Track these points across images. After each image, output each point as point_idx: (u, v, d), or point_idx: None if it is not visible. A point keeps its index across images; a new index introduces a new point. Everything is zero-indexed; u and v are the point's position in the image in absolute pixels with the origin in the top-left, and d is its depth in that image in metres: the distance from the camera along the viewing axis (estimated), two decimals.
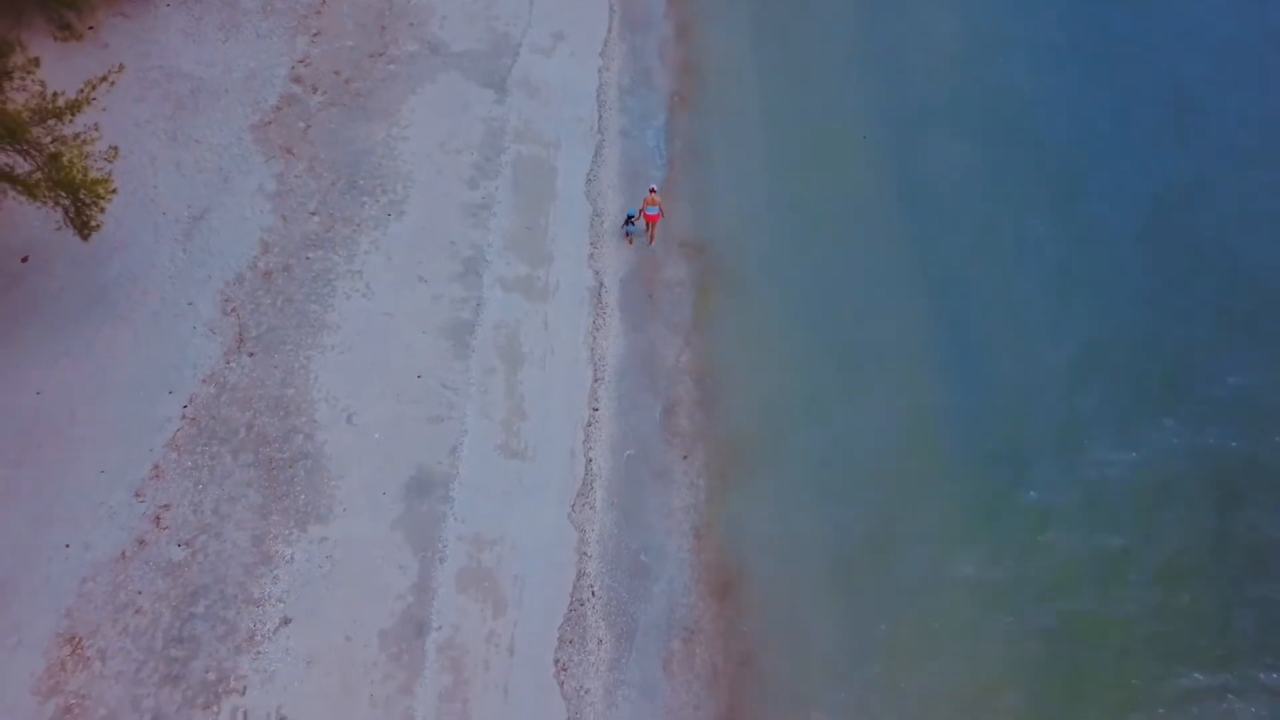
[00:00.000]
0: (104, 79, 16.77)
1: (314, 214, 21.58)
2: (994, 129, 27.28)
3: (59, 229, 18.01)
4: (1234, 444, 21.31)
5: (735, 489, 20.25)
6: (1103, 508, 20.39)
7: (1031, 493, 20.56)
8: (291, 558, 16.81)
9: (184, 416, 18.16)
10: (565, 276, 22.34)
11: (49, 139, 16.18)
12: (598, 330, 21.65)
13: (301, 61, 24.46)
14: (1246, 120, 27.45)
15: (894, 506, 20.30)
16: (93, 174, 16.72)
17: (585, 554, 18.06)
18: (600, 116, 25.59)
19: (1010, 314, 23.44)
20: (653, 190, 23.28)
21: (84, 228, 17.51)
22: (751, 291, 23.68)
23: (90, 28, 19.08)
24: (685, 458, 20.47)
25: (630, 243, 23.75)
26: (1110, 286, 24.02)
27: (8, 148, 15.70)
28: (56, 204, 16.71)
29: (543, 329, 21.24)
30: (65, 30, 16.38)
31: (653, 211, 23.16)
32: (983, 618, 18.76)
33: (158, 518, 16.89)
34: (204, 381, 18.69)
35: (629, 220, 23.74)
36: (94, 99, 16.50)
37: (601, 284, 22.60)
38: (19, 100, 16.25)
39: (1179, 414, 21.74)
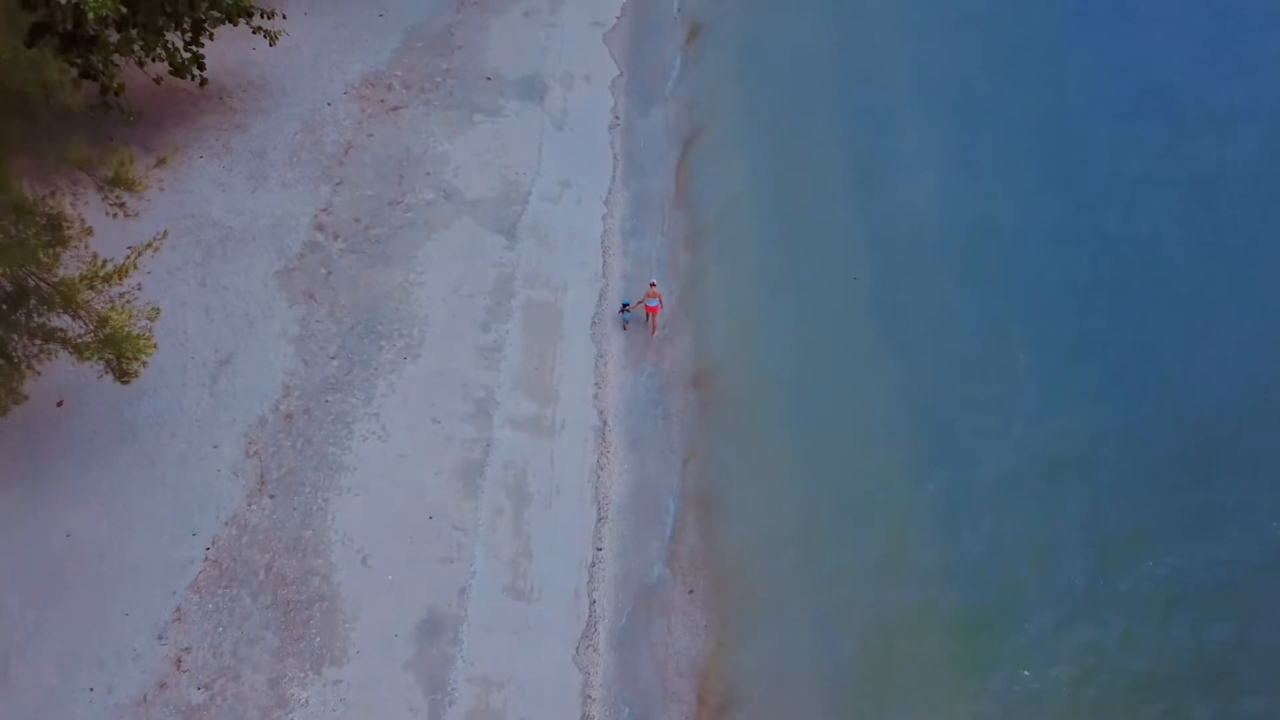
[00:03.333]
0: (149, 246, 18.18)
1: (334, 358, 22.79)
2: (978, 268, 28.65)
3: (100, 377, 19.14)
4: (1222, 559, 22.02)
5: (735, 623, 20.90)
6: (1098, 651, 21.04)
7: (1028, 626, 21.19)
8: (306, 700, 17.43)
9: (206, 558, 19.00)
10: (571, 415, 23.42)
11: (97, 301, 17.45)
12: (601, 469, 22.62)
13: (324, 210, 26.05)
14: (1230, 258, 28.61)
15: (890, 639, 20.96)
16: (135, 331, 17.92)
17: (589, 696, 18.65)
18: (605, 261, 27.11)
19: (1000, 447, 24.35)
20: (653, 284, 25.40)
21: (123, 376, 18.64)
22: (751, 425, 24.71)
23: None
24: (691, 593, 21.18)
25: (626, 328, 25.70)
26: (1095, 422, 25.01)
27: (61, 311, 16.96)
28: (101, 358, 17.87)
29: (549, 468, 22.21)
30: (119, 207, 17.80)
31: (653, 303, 25.27)
32: None
33: (179, 660, 17.57)
34: (226, 523, 19.59)
35: (624, 308, 25.62)
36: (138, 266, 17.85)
37: (605, 422, 23.67)
38: (71, 266, 17.58)
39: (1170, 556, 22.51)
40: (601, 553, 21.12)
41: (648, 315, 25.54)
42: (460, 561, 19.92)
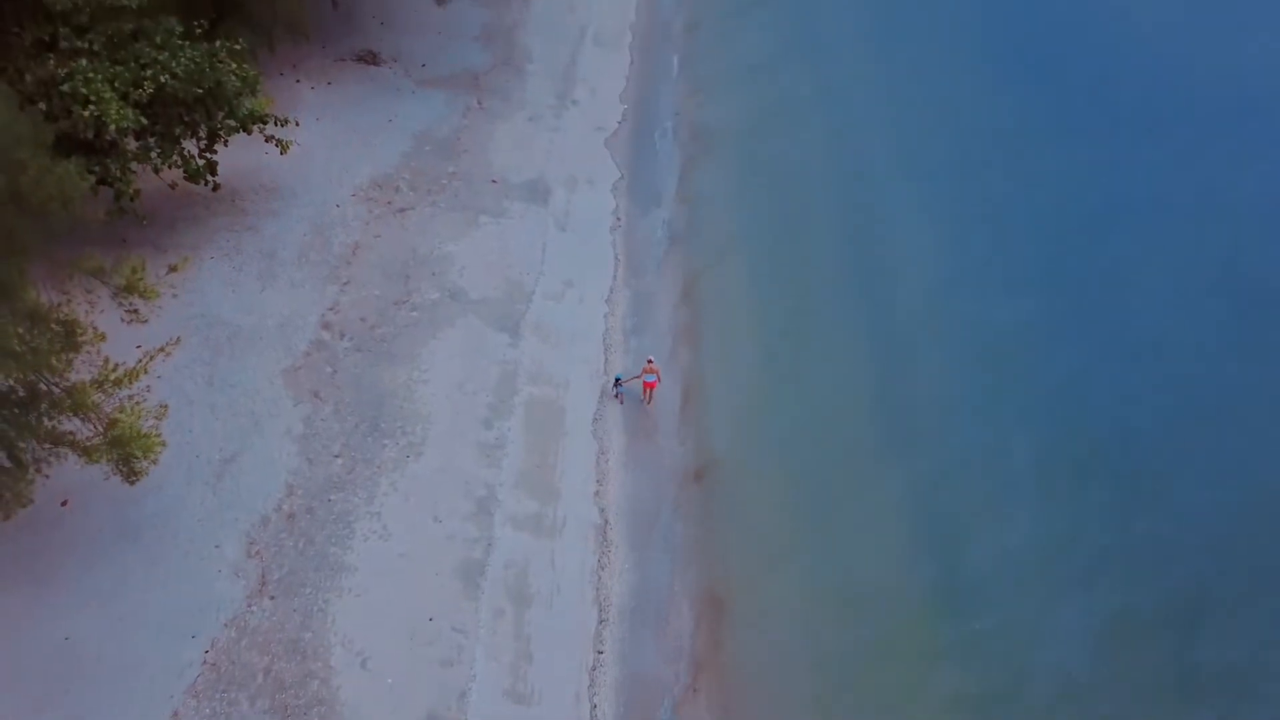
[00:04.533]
0: (161, 350, 18.59)
1: (337, 456, 22.97)
2: (977, 361, 29.02)
3: (108, 479, 19.29)
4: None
5: None
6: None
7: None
8: None
9: (205, 661, 18.86)
10: (572, 513, 23.48)
11: (107, 404, 17.74)
12: (603, 569, 22.59)
13: (331, 309, 26.53)
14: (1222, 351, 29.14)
15: None
16: (144, 431, 18.16)
17: None
18: (606, 359, 27.50)
19: (1001, 537, 24.35)
20: (650, 361, 26.23)
21: (131, 475, 18.79)
22: (755, 520, 24.69)
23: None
24: (696, 691, 20.98)
25: (620, 401, 26.40)
26: (1091, 512, 25.11)
27: (70, 415, 17.23)
28: (109, 460, 18.07)
29: (550, 568, 22.18)
30: (132, 314, 18.26)
31: (650, 379, 26.06)
32: None
33: None
34: (226, 625, 19.49)
35: (617, 382, 26.26)
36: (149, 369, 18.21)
37: (606, 520, 23.71)
38: (81, 369, 17.92)
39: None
40: (603, 655, 20.97)
41: (645, 391, 26.26)
42: (460, 664, 19.77)
